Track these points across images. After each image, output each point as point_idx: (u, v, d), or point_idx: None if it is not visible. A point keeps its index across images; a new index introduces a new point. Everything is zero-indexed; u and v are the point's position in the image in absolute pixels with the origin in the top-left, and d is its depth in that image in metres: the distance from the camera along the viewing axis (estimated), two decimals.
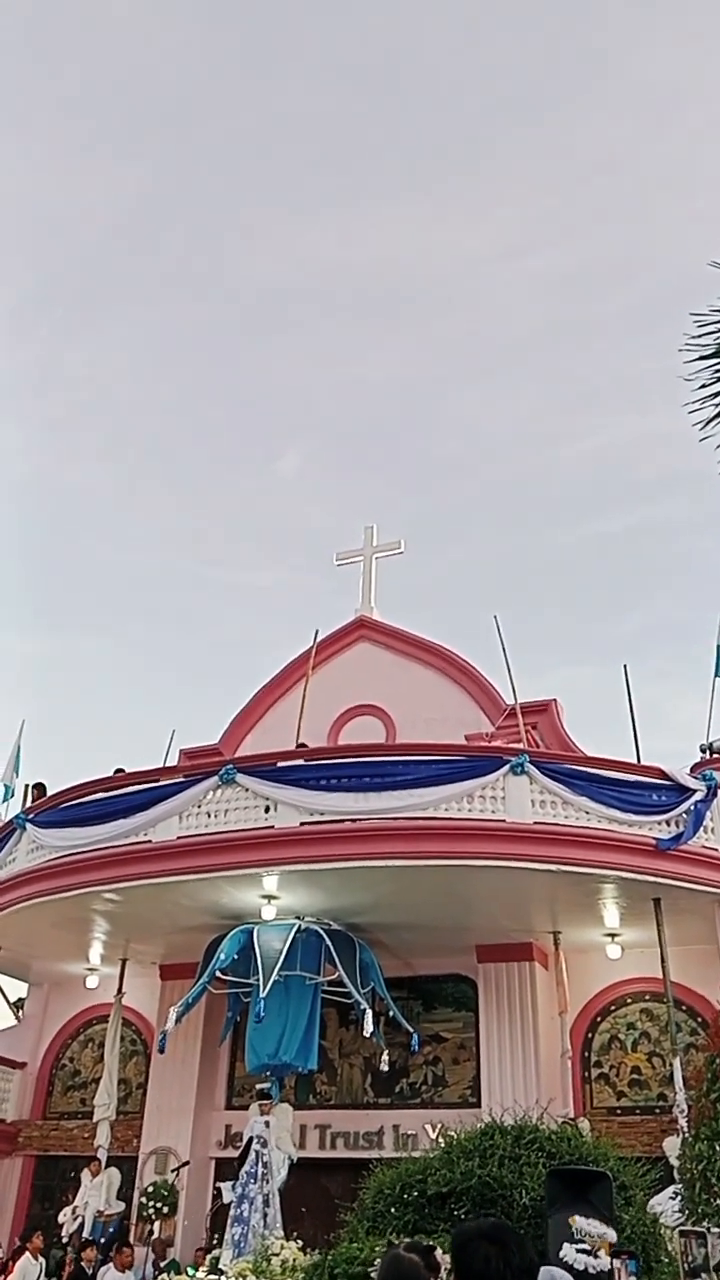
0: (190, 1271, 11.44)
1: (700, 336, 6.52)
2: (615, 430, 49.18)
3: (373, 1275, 8.25)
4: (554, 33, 43.46)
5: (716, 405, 6.48)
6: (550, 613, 49.66)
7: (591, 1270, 6.88)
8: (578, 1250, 6.90)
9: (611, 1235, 7.19)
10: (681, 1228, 8.40)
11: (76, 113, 46.53)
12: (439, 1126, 12.70)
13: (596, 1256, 6.93)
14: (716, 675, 14.49)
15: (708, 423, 6.53)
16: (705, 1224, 7.48)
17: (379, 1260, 8.34)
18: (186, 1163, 14.48)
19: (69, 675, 53.34)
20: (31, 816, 14.29)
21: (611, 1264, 7.83)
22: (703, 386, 6.55)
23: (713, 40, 41.67)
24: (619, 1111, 13.88)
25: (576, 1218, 7.06)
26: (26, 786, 16.57)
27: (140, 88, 46.32)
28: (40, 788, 15.92)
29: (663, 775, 12.75)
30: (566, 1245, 6.98)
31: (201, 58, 45.06)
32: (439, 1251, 7.13)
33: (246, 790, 12.84)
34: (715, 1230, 7.84)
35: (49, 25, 43.68)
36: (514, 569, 50.87)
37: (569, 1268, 6.69)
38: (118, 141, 47.43)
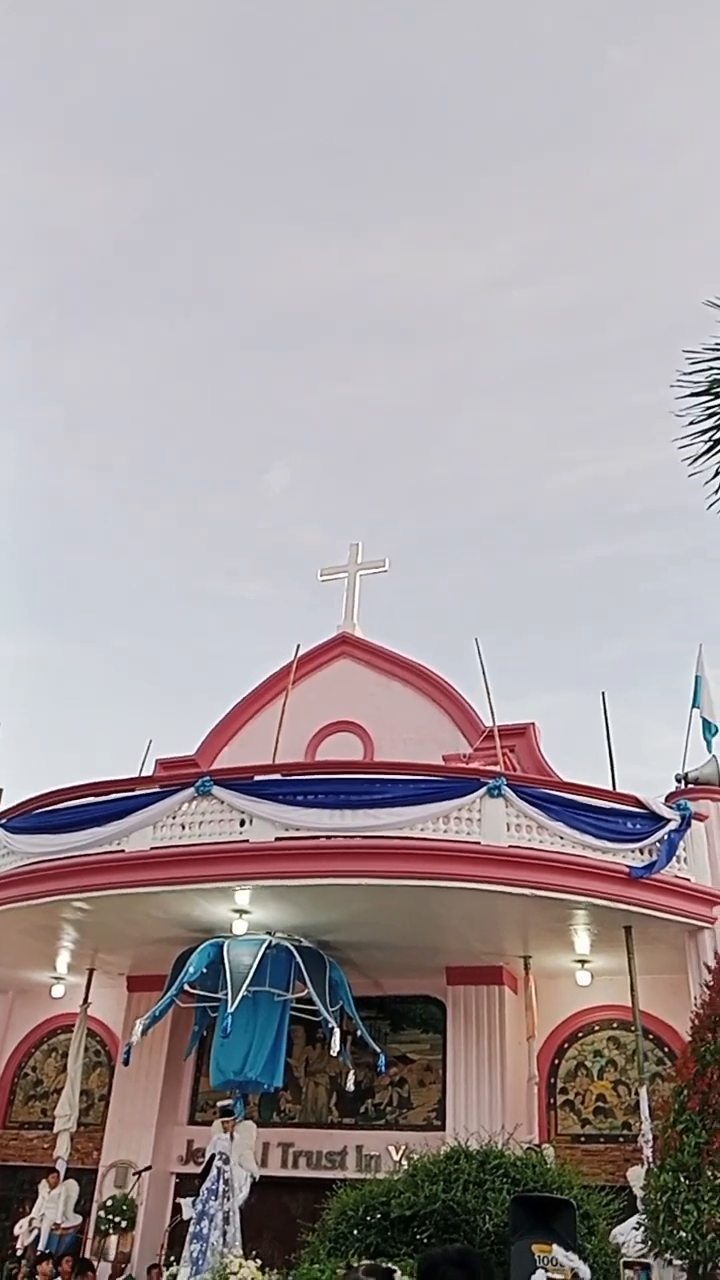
0: None
1: (692, 373, 6.64)
2: (605, 462, 49.52)
3: None
4: (559, 71, 44.00)
5: (706, 441, 6.59)
6: (532, 639, 49.80)
7: None
8: (548, 1278, 6.91)
9: (585, 1271, 7.21)
10: (626, 1259, 8.43)
11: (83, 125, 46.65)
12: (403, 1149, 12.68)
13: None
14: (694, 706, 14.59)
15: (698, 458, 6.64)
16: (668, 1255, 7.50)
17: None
18: (149, 1167, 14.34)
19: (47, 681, 53.00)
20: (3, 822, 14.17)
21: (624, 1275, 7.86)
22: (693, 423, 6.67)
23: (711, 87, 42.33)
24: (583, 1139, 13.88)
25: (555, 1247, 7.08)
26: None
27: (149, 104, 46.49)
28: None
29: (638, 803, 12.81)
30: (539, 1272, 6.99)
31: (210, 77, 45.31)
32: (399, 1274, 7.10)
33: (222, 803, 12.78)
34: (677, 1262, 7.87)
35: (59, 38, 43.82)
36: (498, 594, 51.02)
37: None
38: (123, 156, 47.54)
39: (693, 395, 6.64)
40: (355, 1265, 8.07)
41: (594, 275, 47.80)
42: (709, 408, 6.58)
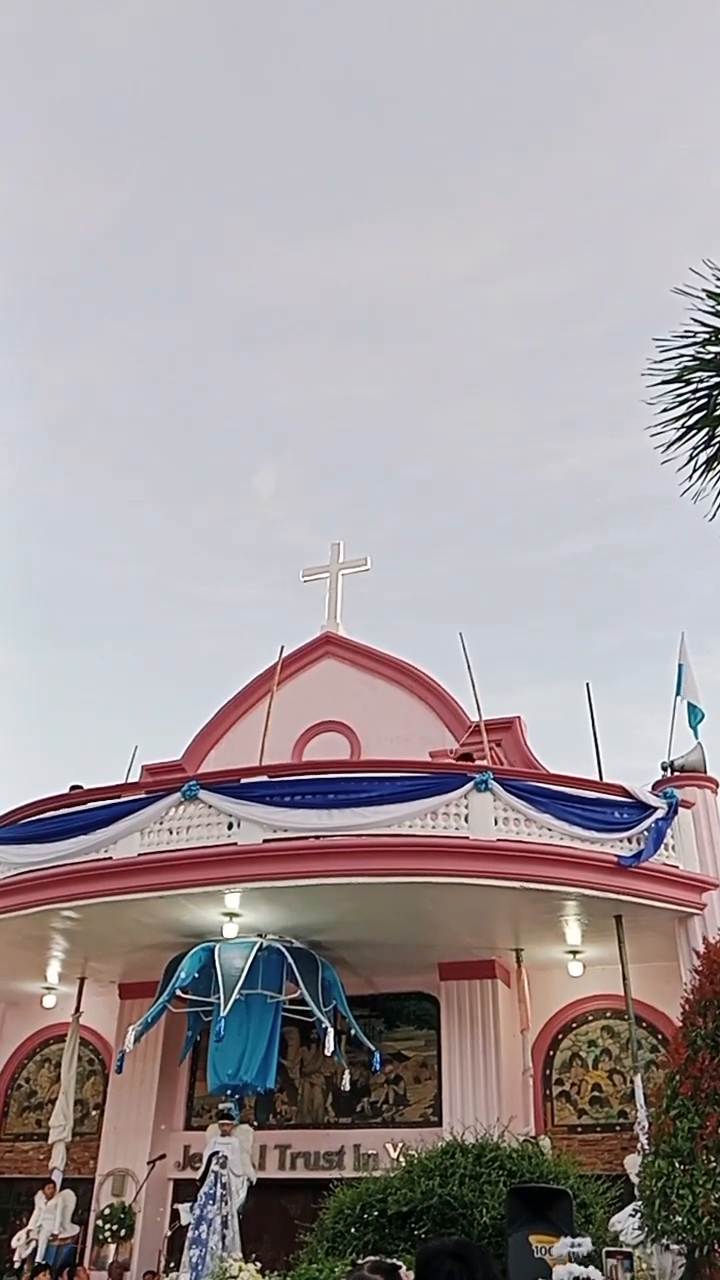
0: None
1: (663, 361, 6.65)
2: (589, 453, 49.57)
3: None
4: (540, 62, 44.03)
5: (677, 429, 6.61)
6: (519, 634, 49.79)
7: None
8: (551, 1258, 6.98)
9: (582, 1246, 7.27)
10: (608, 1249, 8.46)
11: (65, 125, 46.33)
12: (400, 1146, 12.67)
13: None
14: (678, 695, 14.63)
15: (669, 446, 6.66)
16: (665, 1240, 7.52)
17: None
18: (162, 1156, 14.30)
19: (33, 688, 52.75)
20: None
21: (607, 1264, 7.92)
22: (664, 410, 6.68)
23: (692, 75, 42.50)
24: (580, 1129, 13.91)
25: (564, 1238, 7.17)
26: None
27: (131, 103, 46.23)
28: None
29: (624, 793, 12.84)
30: (561, 1268, 7.07)
31: (192, 76, 45.10)
32: (404, 1269, 7.08)
33: (209, 807, 12.76)
34: (675, 1247, 7.89)
35: (40, 37, 43.54)
36: (485, 589, 50.97)
37: None
38: (106, 155, 47.25)
39: (663, 383, 6.65)
40: (360, 1262, 8.05)
41: (576, 266, 47.83)
42: (679, 394, 6.60)
